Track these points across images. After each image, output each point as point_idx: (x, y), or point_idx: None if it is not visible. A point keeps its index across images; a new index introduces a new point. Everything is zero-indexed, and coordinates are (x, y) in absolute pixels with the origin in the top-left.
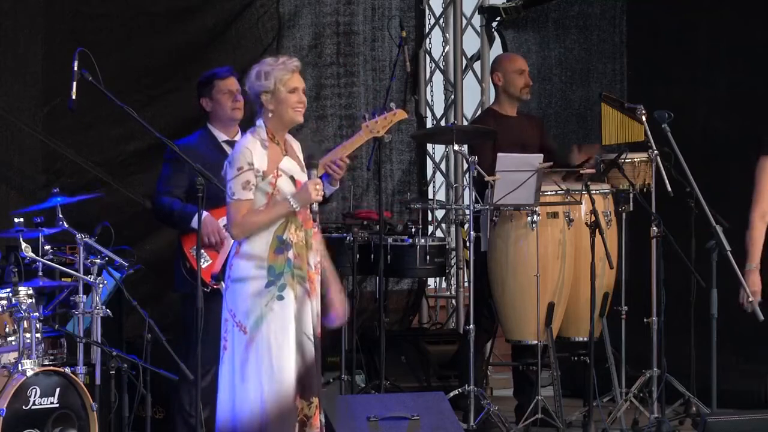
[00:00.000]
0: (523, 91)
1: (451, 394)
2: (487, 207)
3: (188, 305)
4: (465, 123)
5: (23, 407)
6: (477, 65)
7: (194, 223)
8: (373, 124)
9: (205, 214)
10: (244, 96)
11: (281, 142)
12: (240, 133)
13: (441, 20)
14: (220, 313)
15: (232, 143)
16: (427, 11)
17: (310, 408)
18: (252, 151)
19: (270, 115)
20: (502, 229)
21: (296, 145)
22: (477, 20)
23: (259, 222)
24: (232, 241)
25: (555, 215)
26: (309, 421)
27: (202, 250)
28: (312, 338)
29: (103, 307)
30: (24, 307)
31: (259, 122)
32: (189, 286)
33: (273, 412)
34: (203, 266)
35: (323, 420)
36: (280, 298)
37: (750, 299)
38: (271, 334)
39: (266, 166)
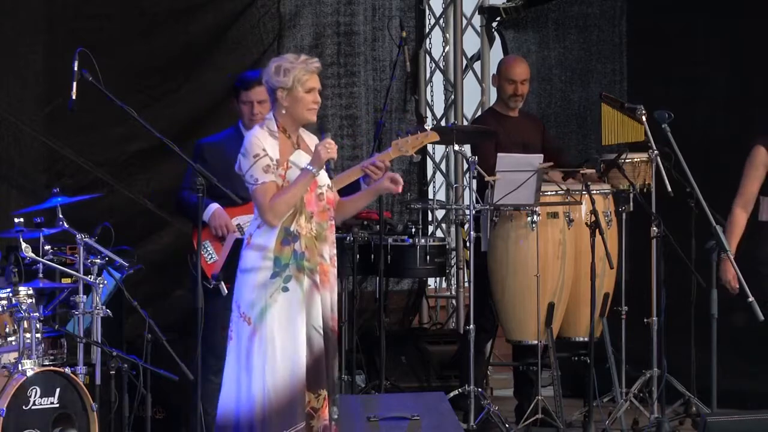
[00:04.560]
0: (511, 99)
1: (452, 394)
2: (487, 207)
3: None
4: (465, 123)
5: (23, 407)
6: (477, 65)
7: (205, 216)
8: (403, 142)
9: (216, 206)
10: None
11: (293, 136)
12: None
13: (441, 20)
14: (220, 312)
15: None
16: (427, 11)
17: (318, 400)
18: (262, 140)
19: (284, 111)
20: (502, 229)
21: (310, 140)
22: (477, 20)
23: (287, 199)
24: (235, 237)
25: (555, 215)
26: (317, 413)
27: (210, 246)
28: (321, 331)
29: (104, 307)
30: (24, 308)
31: (269, 115)
32: (196, 281)
33: (277, 403)
34: (209, 262)
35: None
36: (285, 289)
37: (750, 299)
38: (276, 326)
39: (278, 155)
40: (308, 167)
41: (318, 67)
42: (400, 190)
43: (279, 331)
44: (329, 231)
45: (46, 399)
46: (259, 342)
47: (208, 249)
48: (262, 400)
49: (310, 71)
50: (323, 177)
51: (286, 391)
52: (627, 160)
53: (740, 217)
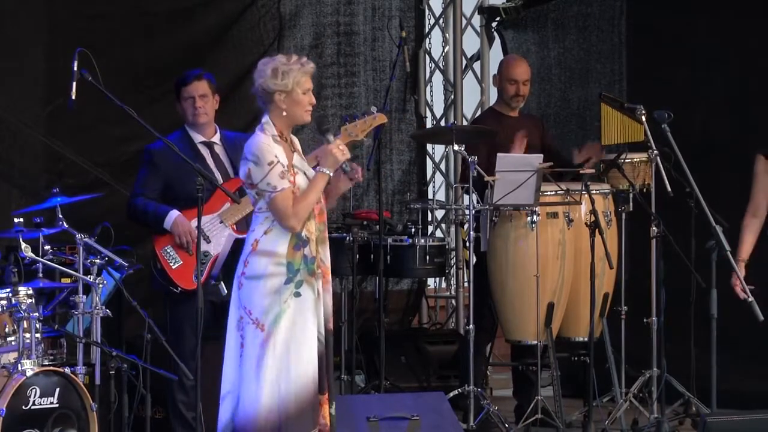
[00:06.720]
0: (513, 99)
1: (451, 394)
2: (487, 207)
3: (168, 305)
4: (465, 123)
5: (23, 407)
6: (477, 65)
7: (166, 224)
8: (352, 127)
9: (177, 214)
10: (222, 93)
11: (288, 139)
12: (218, 132)
13: (441, 20)
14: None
15: (208, 144)
16: (426, 11)
17: (321, 401)
18: (271, 146)
19: (283, 114)
20: (501, 229)
21: (296, 141)
22: (477, 20)
23: (308, 205)
24: (234, 237)
25: (555, 215)
26: (320, 414)
27: (174, 252)
28: (323, 336)
29: (103, 307)
30: (24, 307)
31: (266, 119)
32: (160, 285)
33: (292, 408)
34: (173, 267)
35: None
36: (297, 295)
37: (749, 299)
38: (290, 332)
39: (287, 161)
40: (323, 170)
41: (313, 68)
42: (359, 177)
43: (293, 336)
44: (326, 232)
45: (46, 399)
46: (273, 348)
47: (171, 254)
48: (276, 405)
49: (307, 72)
50: None
51: (302, 396)
52: (627, 160)
53: (750, 223)
